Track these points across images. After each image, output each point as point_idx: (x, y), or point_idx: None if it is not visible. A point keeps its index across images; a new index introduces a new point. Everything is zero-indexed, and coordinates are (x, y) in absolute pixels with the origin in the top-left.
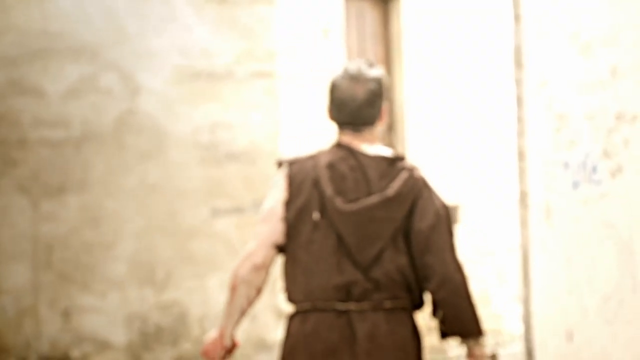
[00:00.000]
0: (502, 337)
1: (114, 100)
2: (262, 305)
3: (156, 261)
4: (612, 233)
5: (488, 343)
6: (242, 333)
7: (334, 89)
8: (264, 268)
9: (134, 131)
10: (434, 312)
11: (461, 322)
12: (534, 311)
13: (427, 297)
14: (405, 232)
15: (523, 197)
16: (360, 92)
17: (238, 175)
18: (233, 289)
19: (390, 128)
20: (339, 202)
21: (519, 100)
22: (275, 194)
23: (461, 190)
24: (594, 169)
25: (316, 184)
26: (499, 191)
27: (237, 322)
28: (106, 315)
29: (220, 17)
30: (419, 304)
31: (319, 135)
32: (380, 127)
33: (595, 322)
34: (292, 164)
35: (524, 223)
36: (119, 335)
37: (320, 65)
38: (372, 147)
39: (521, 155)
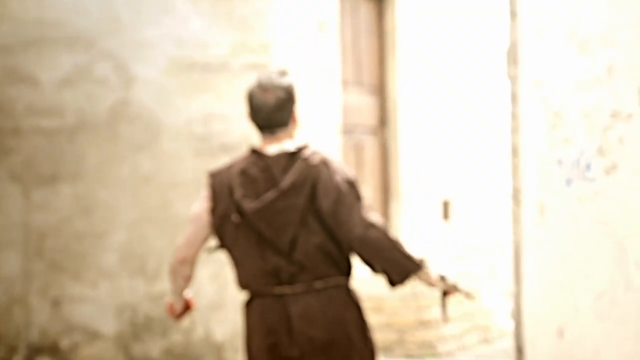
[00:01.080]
0: (492, 333)
1: (109, 90)
2: None
3: (148, 252)
4: (606, 231)
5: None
6: (232, 326)
7: (250, 97)
8: (187, 262)
9: (127, 121)
10: (374, 271)
11: (396, 269)
12: (525, 308)
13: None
14: (317, 213)
15: (516, 194)
16: (270, 99)
17: None
18: (171, 273)
19: (384, 123)
20: (246, 203)
21: (514, 97)
22: (202, 201)
23: (453, 185)
24: (588, 167)
25: (230, 190)
26: (490, 187)
27: (181, 294)
28: (96, 305)
29: (215, 9)
30: (347, 273)
31: (312, 126)
32: (294, 128)
33: (587, 320)
34: (214, 175)
35: (516, 219)
36: (109, 325)
37: (314, 58)
38: (280, 145)
39: (515, 152)
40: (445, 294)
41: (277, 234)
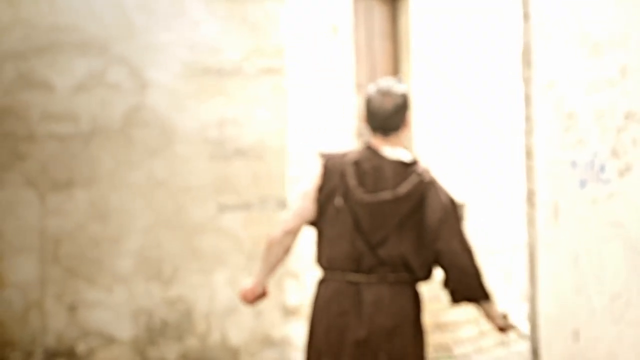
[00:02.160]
0: (508, 336)
1: (122, 95)
2: (268, 302)
3: (163, 256)
4: (620, 232)
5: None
6: (248, 330)
7: (368, 101)
8: (293, 233)
9: (141, 126)
10: (445, 285)
11: (470, 291)
12: (540, 310)
13: (436, 273)
14: (417, 225)
15: (530, 196)
16: (388, 103)
17: (245, 171)
18: (268, 248)
19: None
20: (359, 192)
21: (527, 99)
22: (312, 179)
23: (467, 188)
24: (602, 168)
25: (342, 176)
26: (504, 189)
27: (268, 275)
28: (112, 310)
29: (229, 13)
30: (422, 278)
31: (327, 132)
32: (404, 132)
33: (602, 322)
34: (327, 157)
35: (531, 222)
36: (124, 330)
37: (328, 62)
38: (395, 150)
39: (529, 154)
40: (501, 330)
41: (372, 229)
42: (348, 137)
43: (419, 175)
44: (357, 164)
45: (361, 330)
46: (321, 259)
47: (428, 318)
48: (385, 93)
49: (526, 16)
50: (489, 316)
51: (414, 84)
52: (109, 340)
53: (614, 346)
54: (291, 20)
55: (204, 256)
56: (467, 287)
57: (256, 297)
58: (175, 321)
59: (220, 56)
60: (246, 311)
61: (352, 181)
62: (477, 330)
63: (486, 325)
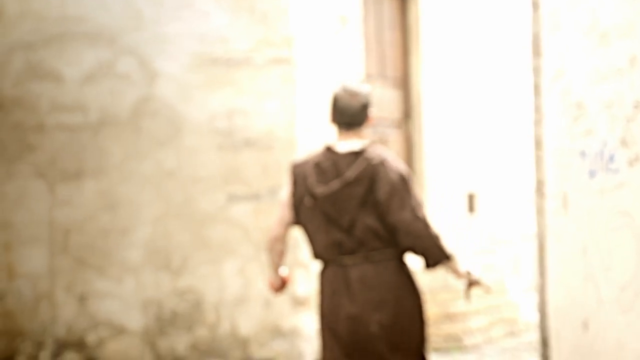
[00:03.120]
0: (518, 326)
1: (131, 85)
2: None
3: (172, 247)
4: (629, 222)
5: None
6: (257, 320)
7: (336, 100)
8: (279, 239)
9: (150, 117)
10: (413, 253)
11: (430, 256)
12: (550, 300)
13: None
14: (373, 202)
15: (539, 186)
16: (355, 102)
17: (254, 161)
18: (269, 249)
19: (408, 116)
20: (316, 188)
21: (537, 89)
22: (286, 188)
23: (478, 178)
24: (611, 158)
25: (306, 178)
26: (514, 180)
27: (276, 269)
28: (122, 300)
29: (237, 4)
30: (401, 249)
31: None
32: (366, 127)
33: (611, 312)
34: (295, 166)
35: (540, 212)
36: (134, 321)
37: (338, 52)
38: (349, 143)
39: (538, 144)
40: (469, 285)
41: (340, 215)
42: None
43: (367, 159)
44: (317, 164)
45: (352, 306)
46: (313, 252)
47: (437, 308)
48: (352, 93)
49: (535, 5)
50: (455, 274)
51: (424, 74)
52: (119, 330)
53: (623, 336)
54: (300, 11)
55: (213, 246)
56: (428, 252)
57: (279, 287)
58: (184, 311)
59: (229, 47)
60: (255, 301)
61: (312, 180)
62: (486, 321)
63: (496, 316)
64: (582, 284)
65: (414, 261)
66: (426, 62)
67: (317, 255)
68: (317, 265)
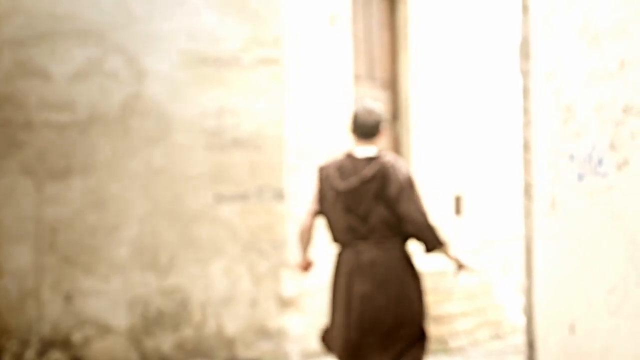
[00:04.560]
0: (504, 328)
1: (120, 83)
2: (263, 293)
3: (159, 246)
4: (618, 225)
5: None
6: (243, 320)
7: (356, 116)
8: (309, 228)
9: (139, 115)
10: (414, 239)
11: (428, 242)
12: (537, 302)
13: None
14: (384, 197)
15: (528, 189)
16: (371, 119)
17: (243, 161)
18: (299, 236)
19: (395, 117)
20: (339, 184)
21: (526, 91)
22: (314, 186)
23: (465, 180)
24: (600, 162)
25: (329, 177)
26: (502, 182)
27: (306, 252)
28: (108, 298)
29: (228, 3)
30: (405, 236)
31: (324, 121)
32: (380, 139)
33: (599, 315)
34: (322, 168)
35: (528, 214)
36: (120, 319)
37: (327, 52)
38: (367, 149)
39: (526, 147)
40: (458, 267)
41: (357, 206)
42: (345, 128)
43: (381, 162)
44: (339, 166)
45: (363, 285)
46: (332, 237)
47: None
48: (369, 111)
49: (525, 8)
50: (448, 257)
51: (412, 76)
52: (105, 329)
53: (610, 339)
54: (290, 10)
55: (200, 246)
56: (426, 239)
57: (305, 268)
58: (171, 310)
59: (219, 45)
60: (242, 301)
61: (335, 178)
62: (472, 323)
63: (482, 318)
64: (569, 286)
65: (414, 249)
66: (414, 64)
67: (335, 239)
68: (335, 249)
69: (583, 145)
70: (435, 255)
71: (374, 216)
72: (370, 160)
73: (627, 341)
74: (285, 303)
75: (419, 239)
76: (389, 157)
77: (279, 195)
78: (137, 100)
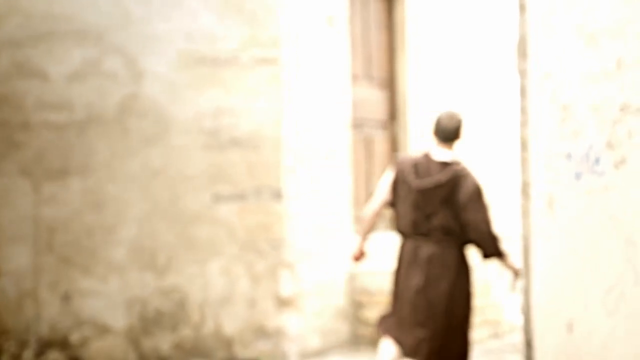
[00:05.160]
0: (502, 327)
1: (118, 84)
2: (262, 293)
3: (157, 246)
4: (615, 225)
5: (512, 261)
6: (242, 320)
7: (439, 120)
8: (377, 213)
9: (137, 115)
10: (475, 246)
11: (488, 250)
12: (534, 302)
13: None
14: (452, 203)
15: (525, 188)
16: (452, 125)
17: (241, 161)
18: (364, 222)
19: (393, 117)
20: (413, 181)
21: (523, 91)
22: (389, 176)
23: None
24: (597, 161)
25: (406, 172)
26: (499, 181)
27: (364, 239)
28: (106, 299)
29: (225, 2)
30: (463, 241)
31: (322, 121)
32: (457, 141)
33: (596, 314)
34: (399, 161)
35: (525, 213)
36: (118, 320)
37: (324, 52)
38: (443, 153)
39: (524, 146)
40: (516, 277)
41: (425, 205)
42: (343, 128)
43: (454, 170)
44: (415, 164)
45: (419, 278)
46: (399, 227)
47: None
48: (451, 117)
49: (522, 7)
50: (507, 267)
51: (410, 75)
52: (103, 329)
53: (608, 338)
54: (287, 10)
55: (198, 246)
56: (487, 248)
57: (359, 257)
58: (169, 311)
59: (217, 46)
60: (240, 301)
61: (410, 175)
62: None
63: (480, 317)
64: (567, 286)
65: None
66: (412, 63)
67: (400, 229)
68: (398, 239)
69: (580, 144)
70: (491, 263)
71: (437, 218)
72: (445, 165)
73: (625, 340)
74: (283, 303)
75: (479, 245)
76: (462, 166)
77: (277, 195)
78: (135, 101)
